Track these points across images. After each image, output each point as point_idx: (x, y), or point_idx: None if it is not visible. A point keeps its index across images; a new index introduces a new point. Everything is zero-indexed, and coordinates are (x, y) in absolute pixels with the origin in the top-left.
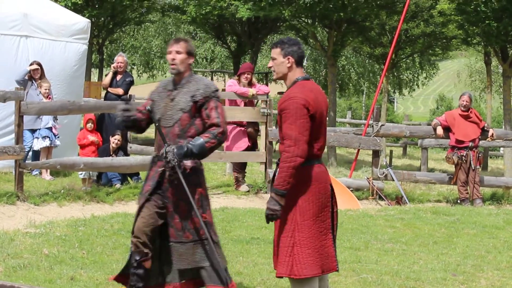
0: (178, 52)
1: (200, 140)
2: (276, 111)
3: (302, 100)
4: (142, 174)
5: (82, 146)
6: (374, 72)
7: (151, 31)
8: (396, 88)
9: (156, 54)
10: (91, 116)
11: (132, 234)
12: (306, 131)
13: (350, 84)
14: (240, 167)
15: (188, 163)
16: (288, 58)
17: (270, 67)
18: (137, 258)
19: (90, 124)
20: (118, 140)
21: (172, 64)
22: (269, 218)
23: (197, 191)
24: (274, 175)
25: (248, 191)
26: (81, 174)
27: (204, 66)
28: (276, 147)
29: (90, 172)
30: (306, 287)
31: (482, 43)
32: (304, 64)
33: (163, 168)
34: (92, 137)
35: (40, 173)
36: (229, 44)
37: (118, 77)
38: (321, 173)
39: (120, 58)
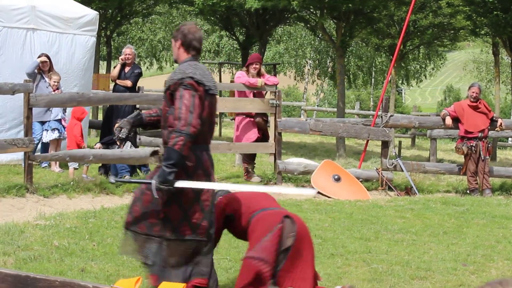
0: None
1: (163, 163)
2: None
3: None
4: (151, 166)
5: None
6: (376, 64)
7: (158, 23)
8: (404, 79)
9: (162, 47)
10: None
11: None
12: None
13: (349, 76)
14: (249, 158)
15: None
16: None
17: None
18: None
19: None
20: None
21: None
22: None
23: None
24: None
25: (260, 182)
26: (72, 164)
27: (212, 59)
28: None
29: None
30: None
31: (490, 34)
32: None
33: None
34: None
35: (49, 165)
36: (237, 35)
37: (126, 69)
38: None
39: (127, 50)
